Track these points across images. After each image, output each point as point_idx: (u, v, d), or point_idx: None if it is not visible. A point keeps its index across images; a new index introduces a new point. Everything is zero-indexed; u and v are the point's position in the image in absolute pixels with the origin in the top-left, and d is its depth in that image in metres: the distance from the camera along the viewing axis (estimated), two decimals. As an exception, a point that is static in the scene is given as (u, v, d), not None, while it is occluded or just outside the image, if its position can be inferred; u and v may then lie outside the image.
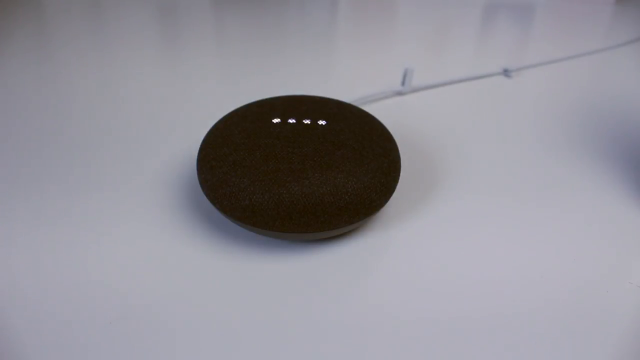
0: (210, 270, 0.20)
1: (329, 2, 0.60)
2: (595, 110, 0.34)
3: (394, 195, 0.25)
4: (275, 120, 0.23)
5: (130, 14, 0.52)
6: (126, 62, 0.40)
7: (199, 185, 0.25)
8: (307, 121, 0.23)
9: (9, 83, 0.35)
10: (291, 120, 0.23)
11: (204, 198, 0.24)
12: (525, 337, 0.17)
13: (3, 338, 0.17)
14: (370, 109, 0.33)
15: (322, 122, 0.23)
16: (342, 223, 0.20)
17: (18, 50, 0.41)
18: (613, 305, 0.19)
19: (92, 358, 0.16)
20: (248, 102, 0.34)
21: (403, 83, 0.36)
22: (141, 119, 0.31)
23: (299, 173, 0.20)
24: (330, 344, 0.17)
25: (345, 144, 0.22)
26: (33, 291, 0.19)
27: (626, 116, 0.33)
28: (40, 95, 0.34)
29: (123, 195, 0.24)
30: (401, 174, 0.26)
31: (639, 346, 0.17)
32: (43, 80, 0.36)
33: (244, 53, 0.42)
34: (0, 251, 0.20)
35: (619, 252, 0.21)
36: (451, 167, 0.27)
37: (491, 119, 0.32)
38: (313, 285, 0.19)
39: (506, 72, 0.40)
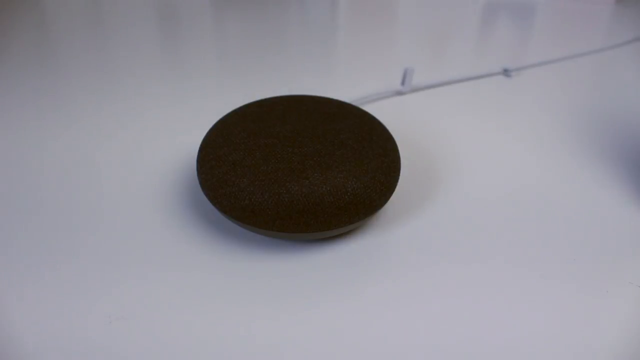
0: (210, 270, 0.20)
1: (329, 2, 0.60)
2: (595, 110, 0.34)
3: (394, 195, 0.25)
4: (275, 120, 0.23)
5: (130, 14, 0.52)
6: (126, 62, 0.40)
7: (199, 185, 0.25)
8: (307, 121, 0.23)
9: (8, 83, 0.35)
10: (291, 120, 0.23)
11: (204, 198, 0.24)
12: (526, 337, 0.17)
13: (3, 338, 0.17)
14: (370, 109, 0.33)
15: (322, 122, 0.23)
16: (342, 223, 0.20)
17: (18, 50, 0.41)
18: (613, 305, 0.19)
19: (92, 358, 0.16)
20: (248, 102, 0.34)
21: (403, 83, 0.36)
22: (141, 119, 0.31)
23: (299, 173, 0.20)
24: (330, 343, 0.17)
25: (345, 144, 0.22)
26: (33, 292, 0.19)
27: (626, 116, 0.33)
28: (40, 96, 0.34)
29: (123, 195, 0.24)
30: (401, 174, 0.26)
31: (639, 346, 0.17)
32: (43, 80, 0.36)
33: (244, 53, 0.42)
34: (2, 250, 0.20)
35: (619, 252, 0.21)
36: (451, 167, 0.27)
37: (491, 118, 0.32)
38: (313, 285, 0.19)
39: (506, 72, 0.40)
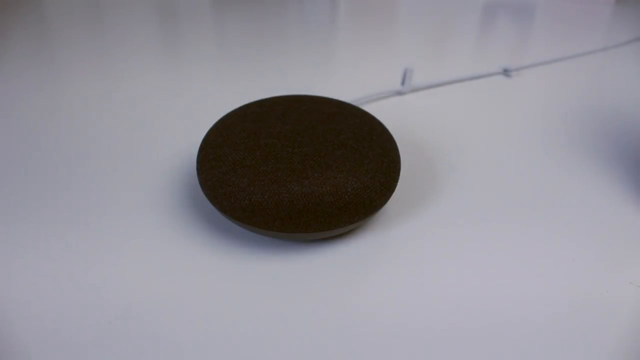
0: (211, 270, 0.20)
1: (329, 2, 0.60)
2: (595, 110, 0.34)
3: (394, 195, 0.25)
4: (275, 120, 0.23)
5: (130, 15, 0.52)
6: (126, 63, 0.40)
7: (199, 185, 0.25)
8: (307, 121, 0.23)
9: (9, 84, 0.35)
10: (291, 120, 0.23)
11: (204, 198, 0.24)
12: (525, 337, 0.17)
13: (4, 338, 0.17)
14: (370, 109, 0.33)
15: (322, 122, 0.23)
16: (342, 223, 0.20)
17: (18, 52, 0.41)
18: (613, 305, 0.19)
19: (92, 358, 0.16)
20: (248, 102, 0.34)
21: (403, 83, 0.36)
22: (141, 119, 0.31)
23: (299, 173, 0.20)
24: (330, 343, 0.17)
25: (345, 144, 0.22)
26: (33, 291, 0.19)
27: (626, 116, 0.33)
28: (41, 96, 0.34)
29: (123, 195, 0.24)
30: (401, 174, 0.26)
31: (639, 346, 0.17)
32: (44, 81, 0.36)
33: (244, 53, 0.42)
34: (1, 251, 0.20)
35: (619, 252, 0.21)
36: (451, 167, 0.27)
37: (491, 118, 0.32)
38: (313, 285, 0.19)
39: (506, 72, 0.40)
